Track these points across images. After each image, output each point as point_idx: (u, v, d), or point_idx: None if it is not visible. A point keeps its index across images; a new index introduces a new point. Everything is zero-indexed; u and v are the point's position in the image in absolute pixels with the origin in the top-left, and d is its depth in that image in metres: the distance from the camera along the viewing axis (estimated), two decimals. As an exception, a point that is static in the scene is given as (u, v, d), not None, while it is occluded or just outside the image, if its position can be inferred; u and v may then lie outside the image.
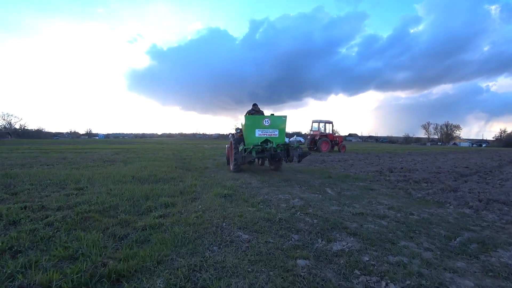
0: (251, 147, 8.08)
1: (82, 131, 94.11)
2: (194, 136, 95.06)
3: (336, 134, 22.21)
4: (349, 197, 5.48)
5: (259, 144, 8.15)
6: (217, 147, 28.47)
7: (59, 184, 6.44)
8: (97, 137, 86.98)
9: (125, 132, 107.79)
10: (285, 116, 8.39)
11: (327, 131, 20.97)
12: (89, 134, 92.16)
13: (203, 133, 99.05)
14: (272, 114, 8.49)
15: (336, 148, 21.41)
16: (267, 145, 8.20)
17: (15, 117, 73.99)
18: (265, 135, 8.27)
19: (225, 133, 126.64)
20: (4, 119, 69.25)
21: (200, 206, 4.50)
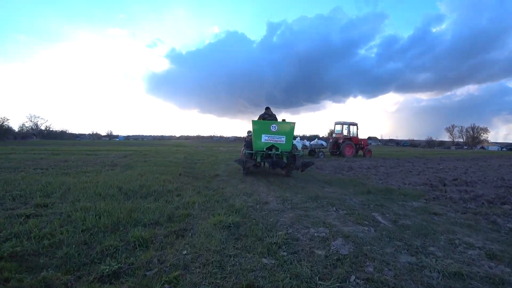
0: (254, 153, 8.08)
1: (103, 132, 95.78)
2: (211, 138, 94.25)
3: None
4: (415, 232, 3.60)
5: (264, 150, 7.92)
6: (233, 150, 26.93)
7: (26, 197, 5.08)
8: (117, 139, 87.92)
9: (144, 134, 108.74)
10: (294, 123, 7.96)
11: (351, 134, 18.89)
12: (109, 136, 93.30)
13: (220, 136, 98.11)
14: (284, 120, 8.17)
15: (360, 152, 19.30)
16: (271, 151, 7.95)
17: (41, 118, 75.82)
18: (271, 141, 7.92)
19: (242, 136, 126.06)
20: (31, 121, 71.18)
21: (185, 252, 2.78)
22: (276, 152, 7.87)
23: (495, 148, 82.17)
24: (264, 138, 7.91)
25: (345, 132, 18.74)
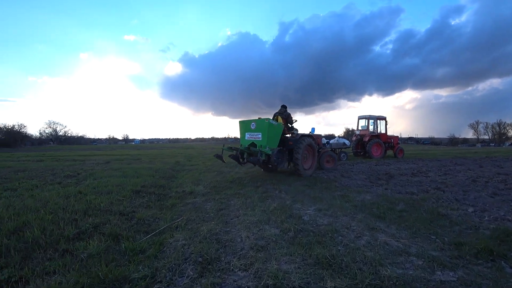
0: (239, 149, 7.90)
1: (120, 137, 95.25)
2: (225, 140, 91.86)
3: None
4: None
5: (247, 146, 7.72)
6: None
7: None
8: (133, 143, 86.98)
9: (160, 138, 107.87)
10: (268, 119, 7.37)
11: (379, 131, 15.26)
12: (126, 140, 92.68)
13: (234, 137, 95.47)
14: (269, 119, 7.42)
15: (389, 152, 15.64)
16: (254, 148, 7.55)
17: (60, 124, 75.65)
18: (252, 138, 7.71)
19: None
20: (50, 127, 71.21)
21: None
22: (253, 149, 7.49)
23: (526, 144, 74.73)
24: (247, 136, 7.86)
25: (371, 128, 15.13)
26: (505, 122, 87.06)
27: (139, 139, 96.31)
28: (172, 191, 5.98)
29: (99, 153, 21.55)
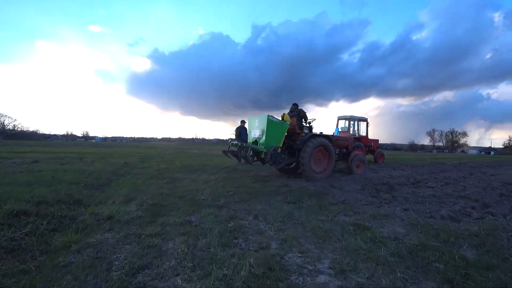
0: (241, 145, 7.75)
1: (79, 133, 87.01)
2: (193, 141, 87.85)
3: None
4: None
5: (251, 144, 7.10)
6: (207, 153, 21.50)
7: None
8: (94, 140, 79.99)
9: (124, 136, 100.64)
10: (266, 115, 6.70)
11: (361, 133, 13.89)
12: (85, 137, 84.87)
13: (202, 138, 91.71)
14: (271, 115, 6.80)
15: (370, 156, 14.31)
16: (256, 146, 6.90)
17: (9, 117, 67.35)
18: (256, 136, 7.16)
19: (225, 138, 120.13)
20: (-4, 119, 63.18)
21: None
22: (253, 146, 6.85)
23: (474, 151, 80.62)
24: (252, 133, 7.45)
25: (351, 131, 13.63)
26: (457, 131, 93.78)
27: (101, 137, 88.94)
28: (85, 213, 3.66)
29: (40, 150, 17.88)
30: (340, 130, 13.92)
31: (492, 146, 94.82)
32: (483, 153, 78.10)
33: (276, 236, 2.93)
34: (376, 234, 2.97)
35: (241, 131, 10.50)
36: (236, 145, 8.03)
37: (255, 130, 7.24)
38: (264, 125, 6.77)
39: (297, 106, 8.11)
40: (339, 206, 4.37)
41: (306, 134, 7.49)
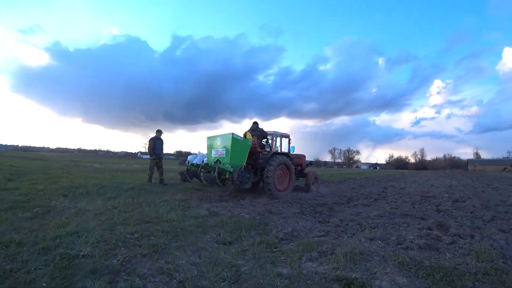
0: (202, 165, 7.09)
1: None
2: (96, 153, 76.05)
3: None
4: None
5: (212, 163, 6.75)
6: (111, 168, 18.02)
7: None
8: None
9: (3, 143, 79.84)
10: (231, 133, 6.46)
11: (283, 150, 13.41)
12: None
13: (107, 150, 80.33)
14: (233, 133, 6.52)
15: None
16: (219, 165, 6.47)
17: None
18: (217, 155, 6.88)
19: (133, 152, 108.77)
20: None
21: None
22: (220, 166, 6.28)
23: (365, 167, 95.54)
24: (213, 153, 7.10)
25: (276, 148, 13.13)
26: (352, 149, 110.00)
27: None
28: None
29: None
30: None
31: (378, 162, 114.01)
32: (371, 168, 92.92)
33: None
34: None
35: (156, 142, 8.63)
36: (195, 165, 7.63)
37: (217, 149, 6.95)
38: (228, 144, 6.54)
39: (258, 124, 7.92)
40: (293, 242, 3.29)
41: (268, 152, 7.35)
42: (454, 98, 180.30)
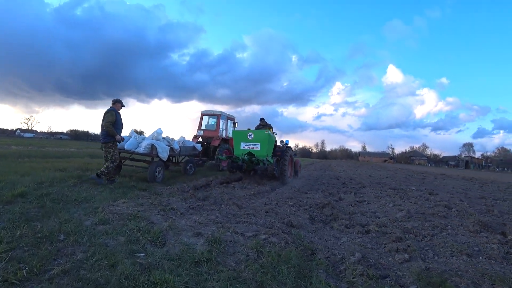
0: (234, 157, 8.09)
1: None
2: None
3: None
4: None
5: (243, 155, 7.77)
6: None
7: None
8: None
9: None
10: (267, 130, 7.82)
11: (227, 134, 11.81)
12: None
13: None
14: (260, 128, 8.43)
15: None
16: (254, 157, 7.72)
17: None
18: (248, 148, 7.81)
19: (9, 128, 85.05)
20: None
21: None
22: (253, 158, 7.61)
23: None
24: (242, 145, 7.91)
25: (221, 130, 11.31)
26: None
27: None
28: None
29: None
30: (204, 128, 11.37)
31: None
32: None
33: None
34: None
35: (117, 117, 5.57)
36: (228, 158, 8.38)
37: (249, 143, 7.82)
38: (264, 139, 7.63)
39: (265, 120, 8.99)
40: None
41: (283, 145, 8.89)
42: (349, 99, 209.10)
